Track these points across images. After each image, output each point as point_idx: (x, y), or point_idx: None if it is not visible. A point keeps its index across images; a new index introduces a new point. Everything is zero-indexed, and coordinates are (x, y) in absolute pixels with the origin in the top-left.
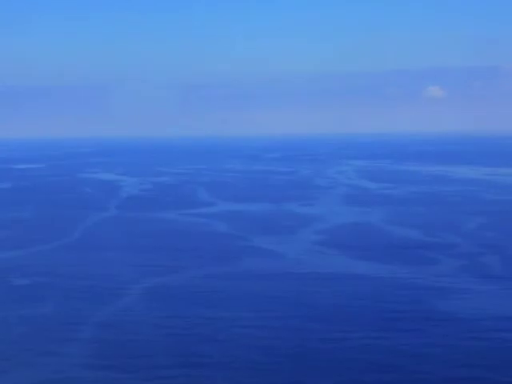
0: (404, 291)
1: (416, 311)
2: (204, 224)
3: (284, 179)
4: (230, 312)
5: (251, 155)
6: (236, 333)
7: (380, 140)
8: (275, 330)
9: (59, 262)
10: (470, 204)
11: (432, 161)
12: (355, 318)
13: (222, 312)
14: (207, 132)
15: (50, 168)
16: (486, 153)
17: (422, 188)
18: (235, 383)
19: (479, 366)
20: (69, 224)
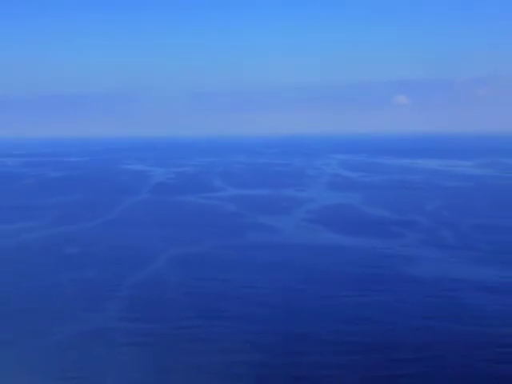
0: (377, 259)
1: (387, 275)
2: (217, 205)
3: (281, 170)
4: (240, 275)
5: (254, 151)
6: (244, 292)
7: (358, 138)
8: (276, 290)
9: (102, 236)
10: (431, 189)
11: (400, 155)
12: (339, 281)
13: (233, 275)
14: (215, 132)
15: (92, 161)
16: (443, 149)
17: (392, 176)
18: (244, 331)
19: (437, 317)
20: (109, 205)
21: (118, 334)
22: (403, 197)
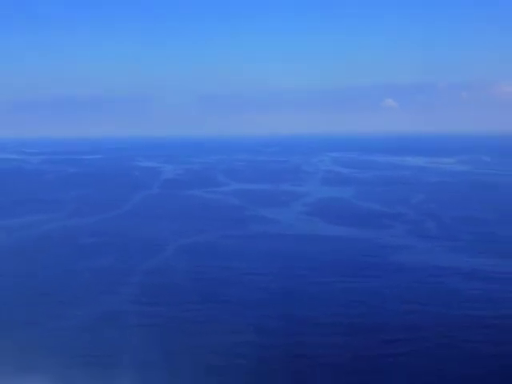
0: (367, 247)
1: (377, 263)
2: (221, 199)
3: (280, 167)
4: (242, 263)
5: (255, 149)
6: (246, 278)
7: (351, 138)
8: (274, 276)
9: (115, 227)
10: (417, 184)
11: (388, 153)
12: (333, 268)
13: (235, 263)
14: (219, 132)
15: (106, 158)
16: (428, 147)
17: (382, 172)
18: (246, 314)
19: (421, 301)
20: (122, 199)
21: (130, 316)
22: (392, 191)
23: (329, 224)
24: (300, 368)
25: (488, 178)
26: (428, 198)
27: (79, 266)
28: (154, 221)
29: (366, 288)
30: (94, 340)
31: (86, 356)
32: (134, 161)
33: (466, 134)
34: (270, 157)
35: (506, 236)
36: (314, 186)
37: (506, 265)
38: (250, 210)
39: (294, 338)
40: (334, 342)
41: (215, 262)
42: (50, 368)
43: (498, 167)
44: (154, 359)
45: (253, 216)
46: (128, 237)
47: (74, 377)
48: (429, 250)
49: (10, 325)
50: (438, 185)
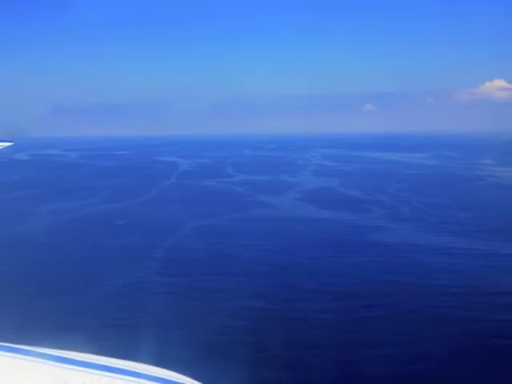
0: (350, 228)
1: (358, 240)
2: (229, 187)
3: (278, 161)
4: (245, 241)
5: (257, 146)
6: (249, 253)
7: (338, 137)
8: (273, 252)
9: (142, 210)
10: (392, 175)
11: (369, 149)
12: (321, 245)
13: (240, 241)
14: (226, 132)
15: (135, 154)
16: (402, 145)
17: (362, 165)
18: (249, 284)
19: (396, 273)
20: (147, 187)
21: (153, 285)
22: (372, 181)
23: (319, 209)
24: (295, 328)
25: (451, 171)
26: (401, 187)
27: (112, 243)
28: (173, 206)
29: (349, 261)
30: (123, 305)
31: (115, 319)
32: (158, 156)
33: (432, 133)
34: (270, 152)
35: (467, 219)
36: (307, 176)
37: (468, 242)
38: (253, 197)
39: (289, 304)
40: (322, 306)
41: (223, 240)
42: (84, 328)
43: (459, 161)
44: (173, 321)
45: (256, 202)
46: (152, 219)
47: (103, 335)
48: (403, 230)
49: (53, 292)
50: (409, 176)
